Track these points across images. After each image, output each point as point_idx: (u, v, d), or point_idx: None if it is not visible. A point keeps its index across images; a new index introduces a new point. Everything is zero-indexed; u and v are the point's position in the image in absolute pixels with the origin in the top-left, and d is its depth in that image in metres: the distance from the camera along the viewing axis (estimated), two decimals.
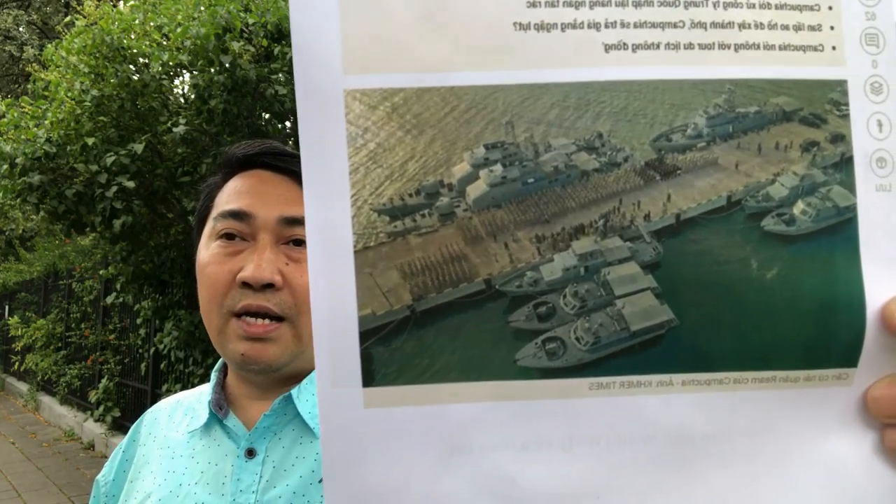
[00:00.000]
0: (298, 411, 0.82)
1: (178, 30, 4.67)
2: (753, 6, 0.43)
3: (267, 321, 0.79)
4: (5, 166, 4.74)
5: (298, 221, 0.80)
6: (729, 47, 0.43)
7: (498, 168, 0.42)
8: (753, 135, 0.44)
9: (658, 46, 0.43)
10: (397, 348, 0.42)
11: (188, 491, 0.81)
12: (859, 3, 0.44)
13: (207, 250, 0.83)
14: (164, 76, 4.92)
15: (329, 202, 0.42)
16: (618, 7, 0.42)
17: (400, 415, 0.42)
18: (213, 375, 0.90)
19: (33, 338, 10.40)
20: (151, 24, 4.89)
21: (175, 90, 5.38)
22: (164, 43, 4.86)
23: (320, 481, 0.78)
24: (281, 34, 4.76)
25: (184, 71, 5.05)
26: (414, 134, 0.42)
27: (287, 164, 0.84)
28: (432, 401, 0.42)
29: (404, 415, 0.42)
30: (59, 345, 10.29)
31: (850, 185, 0.44)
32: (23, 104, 5.22)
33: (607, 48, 0.42)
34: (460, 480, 0.43)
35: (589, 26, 0.42)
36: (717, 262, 0.43)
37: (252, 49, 4.61)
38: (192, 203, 5.86)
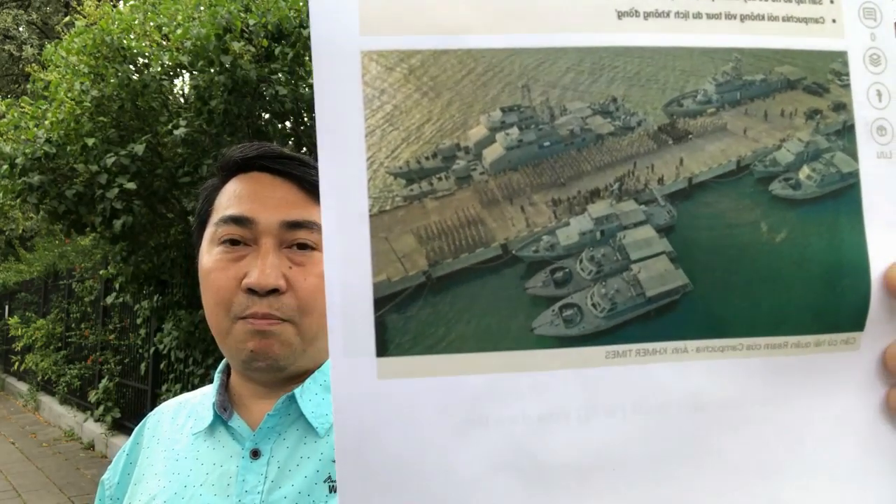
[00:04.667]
0: (302, 411, 0.83)
1: (179, 30, 4.67)
2: None
3: (272, 319, 0.80)
4: (5, 166, 4.74)
5: (301, 225, 0.81)
6: (735, 17, 0.44)
7: (514, 131, 0.42)
8: (760, 102, 0.45)
9: (668, 15, 0.43)
10: (412, 316, 0.41)
11: (193, 493, 0.81)
12: None
13: (210, 255, 0.83)
14: (164, 76, 4.92)
15: (344, 165, 0.42)
16: None
17: (414, 386, 0.42)
18: (217, 377, 0.90)
19: (33, 338, 10.37)
20: (151, 24, 4.90)
21: (175, 91, 5.38)
22: (165, 43, 4.87)
23: (325, 481, 0.79)
24: (281, 34, 4.77)
25: (184, 71, 5.05)
26: (431, 96, 0.42)
27: (285, 167, 0.84)
28: (447, 372, 0.42)
29: (419, 386, 0.42)
30: (59, 345, 10.27)
31: (852, 152, 0.45)
32: (23, 104, 5.22)
33: (620, 15, 0.43)
34: (476, 453, 0.43)
35: None
36: (728, 225, 0.43)
37: (252, 49, 4.61)
38: (192, 203, 5.84)
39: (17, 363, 11.21)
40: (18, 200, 4.89)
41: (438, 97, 0.42)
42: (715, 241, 0.43)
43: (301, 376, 0.85)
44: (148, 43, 4.88)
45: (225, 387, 0.89)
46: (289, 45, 4.76)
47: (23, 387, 11.93)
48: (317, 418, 0.83)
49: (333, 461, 0.80)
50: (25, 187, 4.73)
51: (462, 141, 0.42)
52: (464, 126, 0.42)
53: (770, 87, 0.45)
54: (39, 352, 10.41)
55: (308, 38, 4.65)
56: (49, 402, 10.20)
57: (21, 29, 14.08)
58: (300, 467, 0.80)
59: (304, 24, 4.75)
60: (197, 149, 4.97)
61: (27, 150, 4.70)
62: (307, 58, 5.07)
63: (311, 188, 0.83)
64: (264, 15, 4.67)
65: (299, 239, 0.81)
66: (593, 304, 0.42)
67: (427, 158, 0.42)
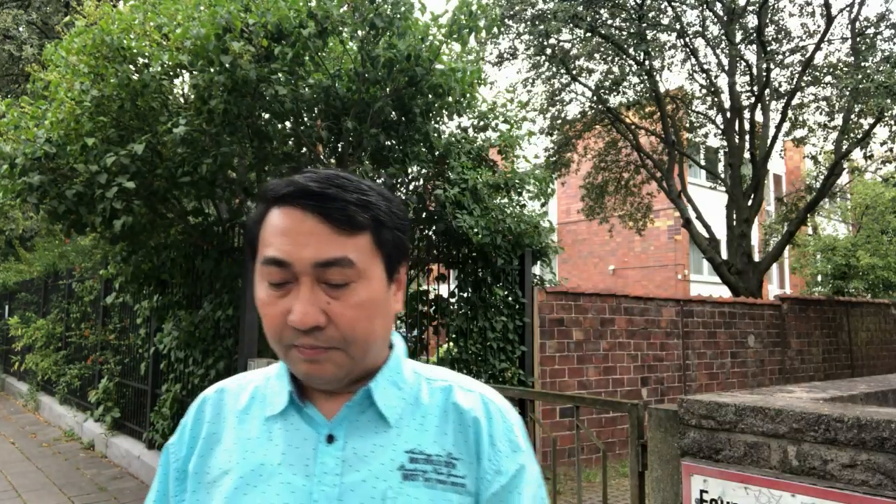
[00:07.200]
0: (374, 401, 0.92)
1: (178, 30, 4.67)
2: None
3: (319, 349, 0.88)
4: (5, 166, 4.74)
5: (331, 263, 0.86)
6: None
7: None
8: None
9: None
10: None
11: (272, 470, 0.90)
12: None
13: (261, 289, 0.90)
14: (164, 76, 4.92)
15: None
16: None
17: None
18: (283, 366, 0.97)
19: (33, 338, 10.38)
20: (151, 24, 4.90)
21: (175, 90, 5.38)
22: (164, 43, 4.86)
23: (398, 469, 0.89)
24: (281, 34, 4.76)
25: (184, 71, 5.05)
26: None
27: (312, 203, 0.87)
28: None
29: None
30: (59, 345, 10.27)
31: None
32: (23, 104, 5.22)
33: None
34: None
35: None
36: None
37: (252, 49, 4.61)
38: (192, 203, 5.86)
39: (17, 363, 11.22)
40: (18, 200, 4.89)
41: None
42: None
43: (359, 380, 0.93)
44: (148, 43, 4.88)
45: (292, 376, 0.96)
46: (289, 45, 4.76)
47: (23, 387, 11.94)
48: (388, 409, 0.93)
49: (406, 452, 0.91)
50: (25, 187, 4.73)
51: None
52: None
53: None
54: (39, 352, 10.41)
55: (307, 38, 4.65)
56: (49, 402, 10.20)
57: (21, 29, 14.07)
58: (375, 454, 0.90)
59: (303, 24, 4.75)
60: (197, 148, 4.97)
61: (27, 150, 4.71)
62: (307, 58, 5.07)
63: (338, 223, 0.86)
64: (264, 15, 4.67)
65: (333, 279, 0.86)
66: None
67: None
